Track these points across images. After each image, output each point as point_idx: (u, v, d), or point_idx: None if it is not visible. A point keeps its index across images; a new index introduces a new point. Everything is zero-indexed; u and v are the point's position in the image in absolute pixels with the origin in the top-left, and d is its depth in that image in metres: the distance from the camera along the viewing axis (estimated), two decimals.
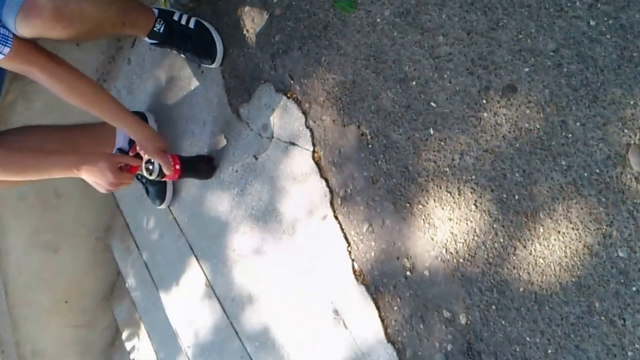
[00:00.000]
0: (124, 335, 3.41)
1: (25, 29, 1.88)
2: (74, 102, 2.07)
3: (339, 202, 2.09)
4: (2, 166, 2.11)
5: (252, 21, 2.35)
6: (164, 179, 2.34)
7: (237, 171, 2.40)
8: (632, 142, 1.53)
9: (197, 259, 2.62)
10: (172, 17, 2.35)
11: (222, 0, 2.47)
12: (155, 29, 2.29)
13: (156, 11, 2.34)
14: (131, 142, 2.56)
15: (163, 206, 2.71)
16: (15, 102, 2.70)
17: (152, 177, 2.29)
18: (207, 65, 2.42)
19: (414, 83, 1.91)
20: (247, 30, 2.36)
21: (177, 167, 2.31)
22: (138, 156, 2.31)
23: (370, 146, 2.01)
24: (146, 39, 2.32)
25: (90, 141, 2.49)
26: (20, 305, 3.12)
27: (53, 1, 1.87)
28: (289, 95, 2.22)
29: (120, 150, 2.54)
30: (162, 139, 2.30)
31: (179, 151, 2.60)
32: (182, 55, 2.44)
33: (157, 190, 2.66)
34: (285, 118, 2.22)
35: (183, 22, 2.37)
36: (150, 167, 2.28)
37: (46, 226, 3.10)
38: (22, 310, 3.14)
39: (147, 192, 2.73)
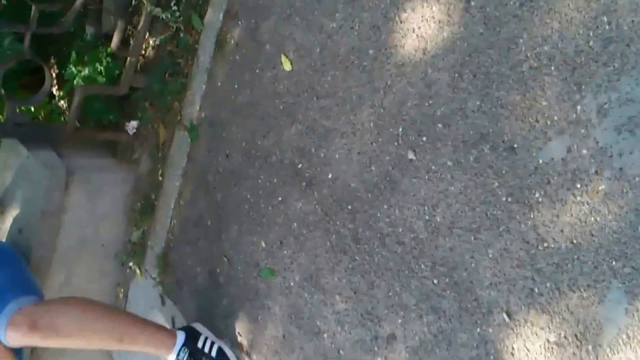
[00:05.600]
0: None
1: (10, 341, 2.21)
2: None
3: None
4: None
5: (207, 286, 2.70)
6: None
7: None
8: None
9: None
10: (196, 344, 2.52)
11: (182, 272, 2.84)
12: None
13: (180, 335, 2.47)
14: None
15: None
16: None
17: None
18: None
19: (326, 335, 2.21)
20: (203, 297, 2.72)
21: None
22: None
23: None
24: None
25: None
26: None
27: (29, 317, 2.21)
28: (241, 349, 2.53)
29: None
30: None
31: None
32: None
33: None
34: None
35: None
36: None
37: None
38: None
39: None
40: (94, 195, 2.92)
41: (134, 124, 2.95)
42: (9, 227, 2.93)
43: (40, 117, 3.56)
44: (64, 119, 3.21)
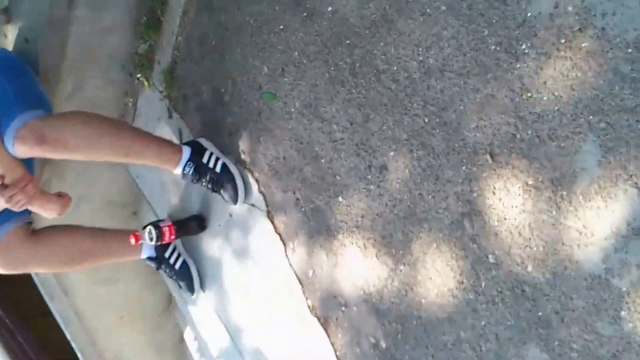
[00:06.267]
0: (186, 335, 4.01)
1: (19, 153, 2.36)
2: None
3: (291, 253, 2.61)
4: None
5: (212, 104, 2.87)
6: (163, 243, 2.92)
7: (220, 225, 2.96)
8: (464, 211, 2.01)
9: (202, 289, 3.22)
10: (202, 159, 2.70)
11: (188, 87, 3.00)
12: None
13: (186, 150, 2.67)
14: (158, 251, 3.07)
15: (195, 295, 3.17)
16: (50, 180, 3.33)
17: (153, 243, 2.88)
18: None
19: (323, 160, 2.40)
20: (208, 113, 2.89)
21: (172, 237, 2.89)
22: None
23: (303, 209, 2.52)
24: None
25: (120, 246, 2.99)
26: (95, 327, 3.79)
27: (36, 131, 2.34)
28: (244, 166, 2.75)
29: (149, 258, 3.07)
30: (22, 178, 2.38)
31: (175, 214, 3.18)
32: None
33: (186, 284, 3.15)
34: (246, 183, 2.76)
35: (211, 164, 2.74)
36: (149, 235, 2.88)
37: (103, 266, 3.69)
38: (97, 330, 3.81)
39: (180, 287, 3.20)
40: (98, 7, 3.01)
41: None
42: (16, 37, 3.04)
43: None
44: None
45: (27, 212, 2.67)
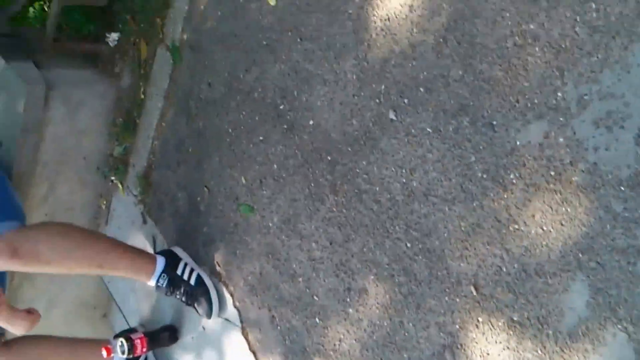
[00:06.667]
0: None
1: None
2: None
3: None
4: None
5: (187, 212, 2.81)
6: (135, 355, 2.83)
7: (192, 338, 2.87)
8: (446, 343, 1.93)
9: None
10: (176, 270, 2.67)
11: (164, 194, 2.95)
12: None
13: (160, 260, 2.62)
14: None
15: None
16: (21, 284, 3.25)
17: (124, 356, 2.78)
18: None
19: (301, 279, 2.34)
20: (184, 222, 2.83)
21: (144, 349, 2.80)
22: None
23: (279, 327, 2.44)
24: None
25: (91, 358, 2.89)
26: None
27: (10, 244, 2.30)
28: (219, 279, 2.67)
29: None
30: None
31: (147, 323, 3.09)
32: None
33: None
34: (220, 298, 2.68)
35: (185, 276, 2.68)
36: (120, 347, 2.79)
37: None
38: None
39: None
40: (74, 108, 2.99)
41: (114, 35, 2.98)
42: None
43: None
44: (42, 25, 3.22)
45: None
